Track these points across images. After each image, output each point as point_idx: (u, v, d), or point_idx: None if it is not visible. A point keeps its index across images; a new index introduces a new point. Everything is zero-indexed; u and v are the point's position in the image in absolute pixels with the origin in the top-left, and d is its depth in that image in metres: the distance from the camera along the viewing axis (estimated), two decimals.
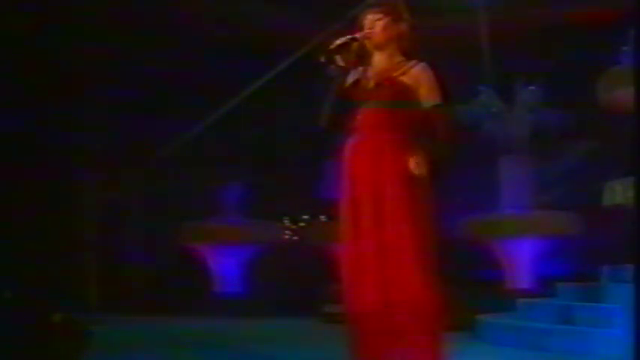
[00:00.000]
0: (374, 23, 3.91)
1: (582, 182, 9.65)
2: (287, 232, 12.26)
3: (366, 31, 3.91)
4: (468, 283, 8.58)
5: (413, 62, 3.91)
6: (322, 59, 3.87)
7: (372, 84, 3.92)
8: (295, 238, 12.22)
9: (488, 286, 9.63)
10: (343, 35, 3.91)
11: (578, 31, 10.11)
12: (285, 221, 12.25)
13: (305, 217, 12.10)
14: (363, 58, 3.95)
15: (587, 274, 7.40)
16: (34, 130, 9.86)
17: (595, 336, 6.07)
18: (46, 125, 10.23)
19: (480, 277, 9.92)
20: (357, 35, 3.91)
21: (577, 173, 10.16)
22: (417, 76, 3.88)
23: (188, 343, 7.48)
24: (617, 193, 7.20)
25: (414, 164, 3.76)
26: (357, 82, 3.94)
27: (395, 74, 3.90)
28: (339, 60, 3.88)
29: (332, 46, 3.88)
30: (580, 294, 6.93)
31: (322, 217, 11.37)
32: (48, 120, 10.32)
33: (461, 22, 10.17)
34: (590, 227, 9.58)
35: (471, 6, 10.06)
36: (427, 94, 3.86)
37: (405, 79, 3.88)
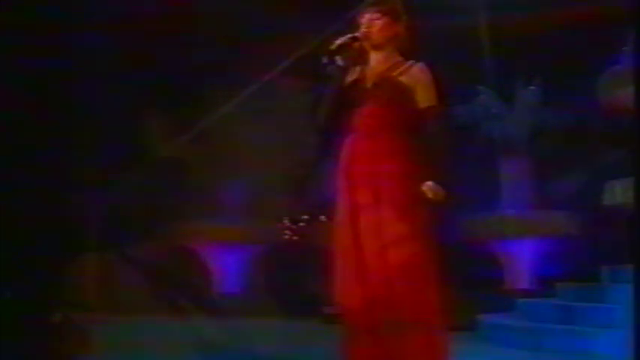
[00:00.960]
0: (372, 22, 3.90)
1: (582, 182, 9.65)
2: (287, 232, 12.24)
3: (364, 30, 3.90)
4: (468, 283, 8.57)
5: (411, 62, 3.91)
6: (324, 60, 3.86)
7: (370, 84, 3.91)
8: (295, 238, 12.21)
9: (488, 286, 9.62)
10: (343, 35, 3.90)
11: (578, 31, 10.10)
12: (285, 221, 12.24)
13: (305, 217, 12.09)
14: (361, 57, 3.94)
15: (587, 274, 7.40)
16: (33, 129, 9.85)
17: (595, 336, 6.07)
18: (45, 125, 10.22)
19: (480, 277, 9.90)
20: (358, 35, 3.90)
21: (577, 173, 10.15)
22: (415, 76, 3.87)
23: (188, 343, 7.47)
24: (617, 193, 7.19)
25: (429, 190, 3.73)
26: (355, 82, 3.93)
27: (393, 74, 3.89)
28: (340, 60, 3.87)
29: (333, 47, 3.87)
30: (580, 294, 6.93)
31: (322, 217, 11.36)
32: (47, 120, 10.30)
33: (461, 22, 10.16)
34: (590, 227, 9.57)
35: (471, 6, 10.06)
36: (423, 95, 3.85)
37: (403, 78, 3.87)
